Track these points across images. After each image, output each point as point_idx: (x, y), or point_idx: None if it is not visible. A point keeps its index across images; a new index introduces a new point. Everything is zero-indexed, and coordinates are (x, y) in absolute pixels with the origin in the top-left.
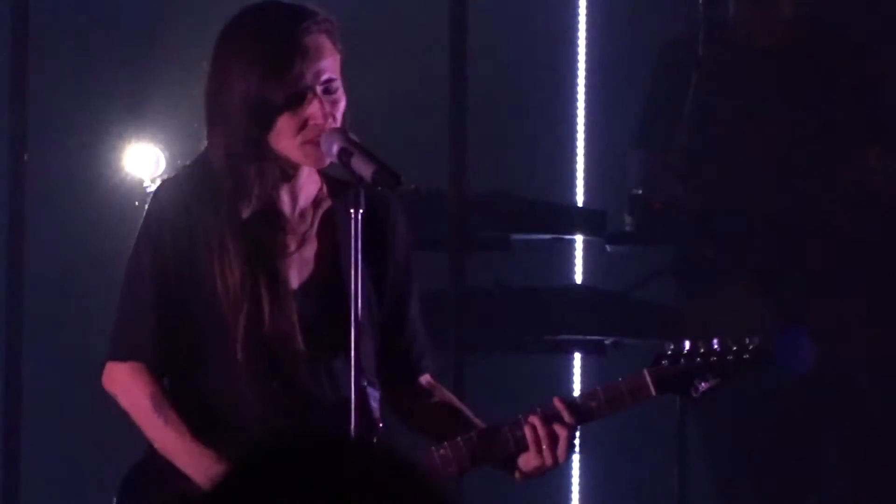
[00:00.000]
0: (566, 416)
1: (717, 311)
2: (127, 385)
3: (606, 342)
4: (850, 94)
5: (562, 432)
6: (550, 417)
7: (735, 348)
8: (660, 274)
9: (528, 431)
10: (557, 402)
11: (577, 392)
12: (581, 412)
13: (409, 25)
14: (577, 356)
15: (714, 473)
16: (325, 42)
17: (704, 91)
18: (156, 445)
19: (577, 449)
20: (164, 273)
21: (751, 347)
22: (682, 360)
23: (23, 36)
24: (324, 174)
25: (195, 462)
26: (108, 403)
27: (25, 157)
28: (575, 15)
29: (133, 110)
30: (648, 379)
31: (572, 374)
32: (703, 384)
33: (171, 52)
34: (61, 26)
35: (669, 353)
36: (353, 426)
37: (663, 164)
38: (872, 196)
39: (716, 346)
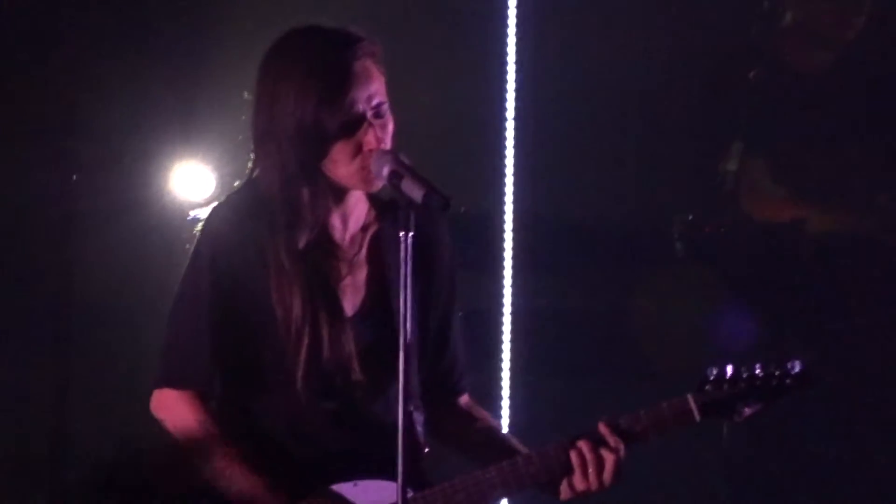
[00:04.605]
0: (611, 440)
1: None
2: (179, 412)
3: None
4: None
5: (608, 456)
6: (597, 441)
7: (778, 373)
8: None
9: (573, 455)
10: (602, 426)
11: None
12: (626, 435)
13: (460, 48)
14: None
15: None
16: (372, 66)
17: (756, 113)
18: (206, 476)
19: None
20: (221, 296)
21: (794, 372)
22: (726, 385)
23: (73, 56)
24: (370, 195)
25: (256, 499)
26: (155, 421)
27: (74, 177)
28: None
29: (182, 130)
30: (692, 404)
31: None
32: (746, 409)
33: (221, 72)
34: (110, 46)
35: (713, 378)
36: (399, 451)
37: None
38: None
39: (759, 372)
